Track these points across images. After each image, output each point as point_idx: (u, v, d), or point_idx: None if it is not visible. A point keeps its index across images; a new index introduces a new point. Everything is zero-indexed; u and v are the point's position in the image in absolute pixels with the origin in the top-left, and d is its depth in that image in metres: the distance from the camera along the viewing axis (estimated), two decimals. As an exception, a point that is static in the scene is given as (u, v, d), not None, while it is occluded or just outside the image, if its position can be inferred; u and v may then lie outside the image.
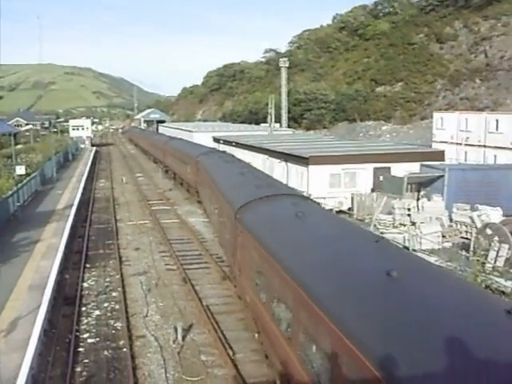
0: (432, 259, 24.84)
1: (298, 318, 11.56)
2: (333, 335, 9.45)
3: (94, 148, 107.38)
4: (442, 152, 46.63)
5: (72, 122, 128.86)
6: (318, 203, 22.22)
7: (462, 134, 58.47)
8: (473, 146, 56.41)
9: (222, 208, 24.27)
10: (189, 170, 44.59)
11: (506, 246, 25.18)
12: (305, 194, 32.56)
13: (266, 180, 24.52)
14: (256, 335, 16.62)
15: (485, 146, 55.77)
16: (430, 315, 8.52)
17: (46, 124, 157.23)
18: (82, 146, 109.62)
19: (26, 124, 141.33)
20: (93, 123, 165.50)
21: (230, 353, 16.74)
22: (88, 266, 27.10)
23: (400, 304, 9.27)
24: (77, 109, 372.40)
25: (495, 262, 24.86)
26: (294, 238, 13.93)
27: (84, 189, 49.78)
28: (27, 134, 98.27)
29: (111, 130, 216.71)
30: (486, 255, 24.99)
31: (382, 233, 30.06)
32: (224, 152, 46.14)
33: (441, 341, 7.68)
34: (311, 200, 20.67)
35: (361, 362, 8.16)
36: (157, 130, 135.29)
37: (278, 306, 13.19)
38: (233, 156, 41.08)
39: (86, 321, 20.07)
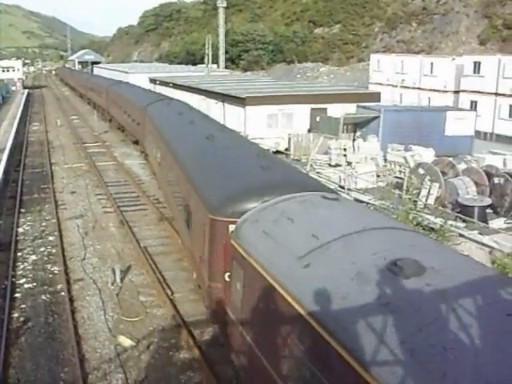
0: (366, 198, 25.49)
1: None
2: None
3: (27, 90, 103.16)
4: (378, 93, 47.18)
5: (1, 64, 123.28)
6: (187, 104, 33.53)
7: (397, 76, 59.24)
8: (408, 88, 57.35)
9: (133, 110, 37.11)
10: (102, 97, 58.33)
11: (437, 185, 26.06)
12: (242, 134, 32.72)
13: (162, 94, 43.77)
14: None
15: (420, 89, 56.84)
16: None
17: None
18: (13, 88, 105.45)
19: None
20: (24, 64, 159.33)
21: (169, 293, 16.90)
22: (23, 211, 26.52)
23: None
24: (6, 49, 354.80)
25: (426, 200, 25.75)
26: (164, 114, 27.36)
27: (17, 132, 48.10)
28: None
29: (44, 72, 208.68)
30: (418, 193, 25.81)
31: (318, 172, 30.58)
32: (127, 83, 59.32)
33: None
34: (181, 102, 35.30)
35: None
36: (91, 71, 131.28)
37: (162, 162, 23.04)
38: (135, 85, 54.76)
39: (22, 266, 19.74)
